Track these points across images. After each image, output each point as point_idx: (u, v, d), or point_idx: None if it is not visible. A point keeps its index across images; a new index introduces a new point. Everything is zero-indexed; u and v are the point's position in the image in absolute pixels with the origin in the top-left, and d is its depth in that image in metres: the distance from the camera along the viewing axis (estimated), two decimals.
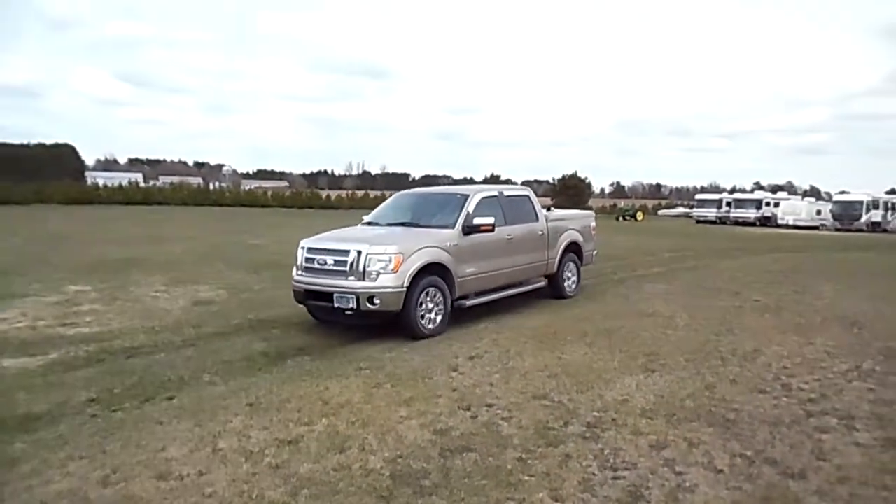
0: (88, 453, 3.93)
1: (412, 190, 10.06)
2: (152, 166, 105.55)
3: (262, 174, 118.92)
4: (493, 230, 7.95)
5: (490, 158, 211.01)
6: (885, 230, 39.03)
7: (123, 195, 42.65)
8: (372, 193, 55.92)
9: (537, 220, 9.32)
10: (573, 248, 10.06)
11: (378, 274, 6.83)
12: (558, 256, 9.64)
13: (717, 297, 9.87)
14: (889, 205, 41.17)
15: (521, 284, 9.08)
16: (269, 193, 51.85)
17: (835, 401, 4.91)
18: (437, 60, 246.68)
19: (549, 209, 10.05)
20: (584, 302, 9.45)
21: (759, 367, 5.86)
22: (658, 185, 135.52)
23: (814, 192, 76.10)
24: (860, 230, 38.57)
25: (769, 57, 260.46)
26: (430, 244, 7.35)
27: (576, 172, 56.92)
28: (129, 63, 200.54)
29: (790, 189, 77.87)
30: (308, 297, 7.37)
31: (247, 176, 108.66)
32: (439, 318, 7.32)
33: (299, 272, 7.55)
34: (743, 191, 67.71)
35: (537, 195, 10.11)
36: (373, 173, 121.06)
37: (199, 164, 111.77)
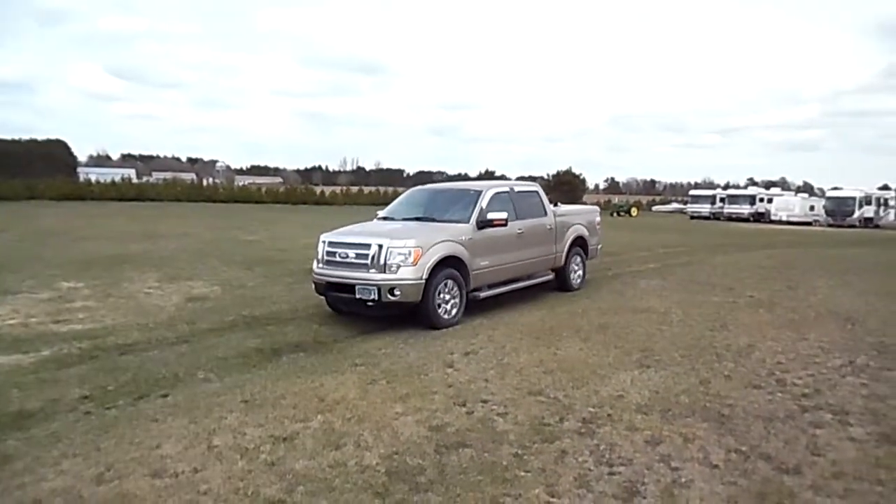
0: (82, 451, 3.90)
1: (425, 186, 10.32)
2: (145, 162, 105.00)
3: (255, 170, 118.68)
4: (506, 225, 8.20)
5: (484, 154, 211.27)
6: (877, 226, 39.32)
7: (116, 191, 42.36)
8: (366, 189, 55.85)
9: (546, 214, 9.57)
10: (579, 242, 10.33)
11: (398, 266, 7.07)
12: (565, 250, 9.89)
13: (712, 292, 9.90)
14: (881, 201, 41.46)
15: (530, 277, 9.37)
16: (263, 189, 51.65)
17: (829, 396, 4.94)
18: (431, 56, 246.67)
19: (556, 204, 10.18)
20: (579, 298, 9.47)
21: (754, 362, 5.88)
22: (652, 181, 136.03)
23: (807, 189, 76.47)
24: (853, 226, 38.85)
25: (761, 53, 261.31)
26: (447, 238, 7.59)
27: (570, 168, 57.10)
28: (122, 57, 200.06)
29: (783, 185, 78.30)
30: (330, 288, 7.60)
31: (240, 172, 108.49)
32: (455, 309, 7.59)
33: (320, 265, 7.75)
34: (737, 187, 68.09)
35: None
36: (367, 169, 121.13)
37: (192, 160, 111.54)
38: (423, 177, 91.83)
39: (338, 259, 7.51)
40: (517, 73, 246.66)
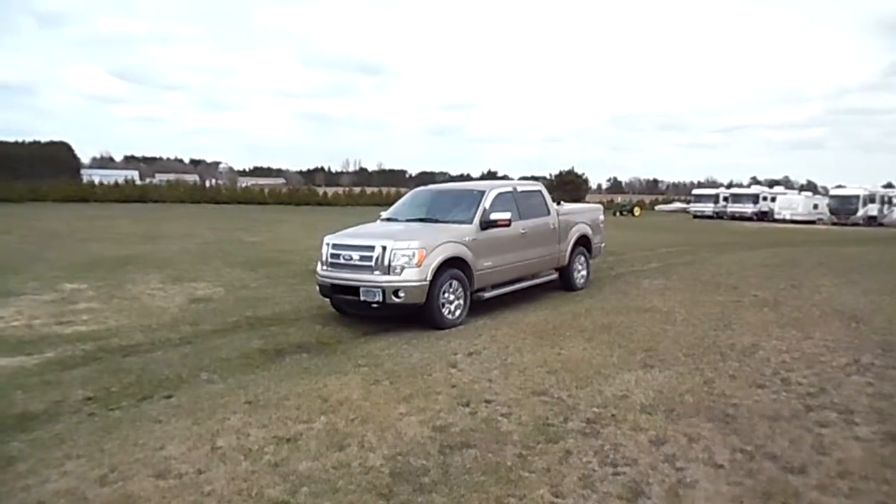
0: (86, 452, 3.90)
1: (428, 187, 10.31)
2: (148, 164, 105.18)
3: (258, 171, 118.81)
4: (509, 225, 8.20)
5: (486, 154, 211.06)
6: (881, 224, 39.14)
7: (119, 193, 42.46)
8: (369, 190, 55.79)
9: (549, 214, 9.56)
10: (583, 241, 10.32)
11: (402, 268, 7.07)
12: (569, 249, 9.88)
13: (715, 291, 9.87)
14: (885, 199, 41.26)
15: (533, 277, 9.36)
16: (266, 191, 51.72)
17: (834, 395, 4.91)
18: (432, 56, 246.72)
19: (559, 203, 10.17)
20: (582, 297, 9.45)
21: (758, 361, 5.86)
22: (655, 181, 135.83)
23: (810, 187, 76.11)
24: (857, 224, 38.70)
25: (764, 51, 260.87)
26: (450, 239, 7.59)
27: (573, 168, 56.98)
28: (124, 59, 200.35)
29: (787, 184, 78.16)
30: (334, 290, 7.59)
31: (243, 173, 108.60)
32: (459, 310, 7.61)
33: (325, 267, 7.74)
34: (740, 186, 67.92)
35: None
36: (369, 170, 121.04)
37: (195, 162, 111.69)
38: (426, 177, 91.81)
39: (342, 261, 7.50)
40: (518, 73, 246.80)
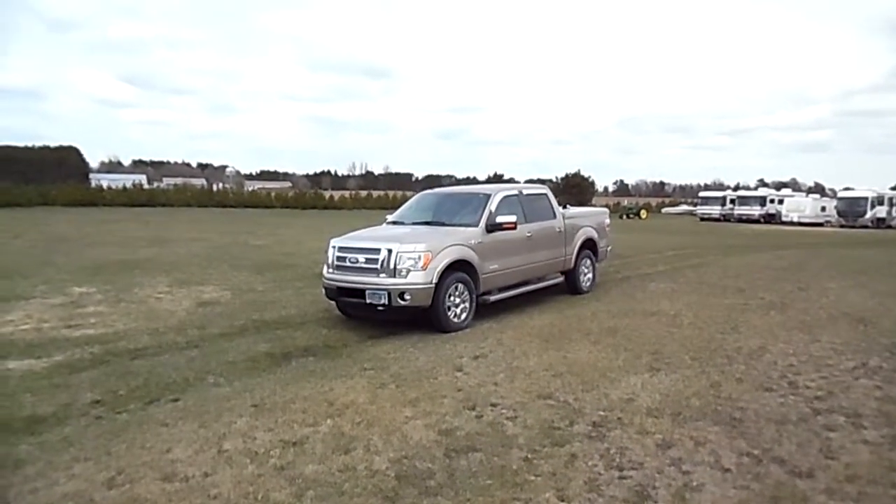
0: (94, 455, 3.93)
1: (434, 190, 10.30)
2: (156, 168, 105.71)
3: (265, 175, 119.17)
4: (515, 228, 8.21)
5: (492, 157, 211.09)
6: (889, 226, 38.90)
7: (127, 197, 42.70)
8: (375, 193, 55.92)
9: (555, 217, 9.56)
10: (589, 245, 10.31)
11: (408, 271, 7.08)
12: (575, 252, 9.88)
13: (722, 294, 9.83)
14: (894, 201, 40.99)
15: (539, 280, 9.37)
16: (273, 194, 51.86)
17: (842, 398, 4.88)
18: (438, 60, 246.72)
19: (564, 207, 10.16)
20: (588, 300, 9.43)
21: (765, 365, 5.84)
22: (662, 183, 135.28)
23: (818, 189, 75.85)
24: (865, 226, 38.47)
25: (770, 53, 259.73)
26: (456, 242, 7.59)
27: (579, 171, 56.96)
28: (131, 64, 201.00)
29: (794, 186, 77.69)
30: (340, 293, 7.60)
31: (250, 177, 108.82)
32: (465, 313, 7.61)
33: (331, 270, 7.75)
34: (747, 188, 67.56)
35: None
36: (376, 173, 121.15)
37: (202, 166, 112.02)
38: (432, 180, 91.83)
39: (348, 264, 7.51)
40: (524, 76, 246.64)
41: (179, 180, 65.75)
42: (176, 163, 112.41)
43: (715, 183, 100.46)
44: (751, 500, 3.31)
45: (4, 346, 6.48)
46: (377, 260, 7.21)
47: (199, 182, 67.50)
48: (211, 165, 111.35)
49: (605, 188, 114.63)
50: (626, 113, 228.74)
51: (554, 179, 60.00)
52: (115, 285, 10.13)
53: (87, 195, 41.27)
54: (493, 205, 8.27)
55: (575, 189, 53.31)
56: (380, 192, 57.67)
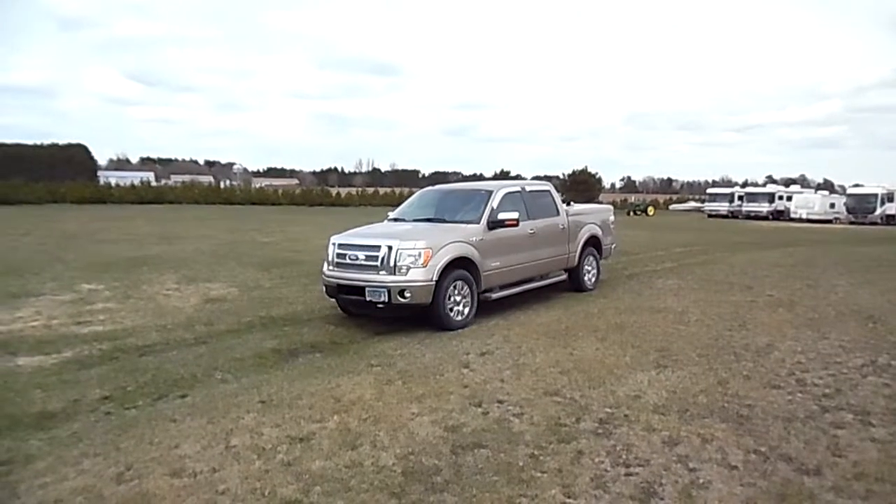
0: (103, 451, 3.96)
1: (436, 186, 10.27)
2: (164, 165, 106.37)
3: (272, 172, 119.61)
4: (517, 225, 8.14)
5: (499, 154, 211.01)
6: None
7: (135, 194, 42.92)
8: (382, 191, 55.96)
9: (558, 214, 9.50)
10: (593, 242, 10.24)
11: (408, 268, 7.03)
12: (579, 250, 9.81)
13: (730, 291, 9.80)
14: None
15: (542, 278, 9.30)
16: (280, 191, 52.04)
17: (850, 396, 4.86)
18: (445, 56, 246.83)
19: (568, 203, 10.12)
20: (595, 297, 9.41)
21: (773, 362, 5.81)
22: (669, 180, 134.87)
23: (827, 186, 75.19)
24: (874, 223, 38.20)
25: (780, 49, 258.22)
26: (457, 239, 7.54)
27: (586, 167, 56.77)
28: (140, 62, 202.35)
29: (803, 182, 77.37)
30: (340, 291, 7.56)
31: (257, 174, 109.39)
32: (467, 310, 7.55)
33: (330, 267, 7.72)
34: (755, 184, 67.24)
35: None
36: (382, 170, 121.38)
37: (209, 163, 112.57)
38: (439, 177, 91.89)
39: (347, 261, 7.47)
40: (532, 73, 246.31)
41: (187, 177, 66.03)
42: (184, 160, 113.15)
43: (723, 179, 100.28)
44: (758, 497, 3.30)
45: (14, 343, 6.54)
46: (377, 257, 7.17)
47: (207, 179, 67.82)
48: (218, 163, 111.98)
49: (613, 185, 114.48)
50: (634, 109, 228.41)
51: (561, 176, 59.87)
52: (123, 282, 10.19)
53: (96, 193, 41.57)
54: (494, 201, 8.21)
55: (582, 186, 53.14)
56: (386, 189, 57.71)
